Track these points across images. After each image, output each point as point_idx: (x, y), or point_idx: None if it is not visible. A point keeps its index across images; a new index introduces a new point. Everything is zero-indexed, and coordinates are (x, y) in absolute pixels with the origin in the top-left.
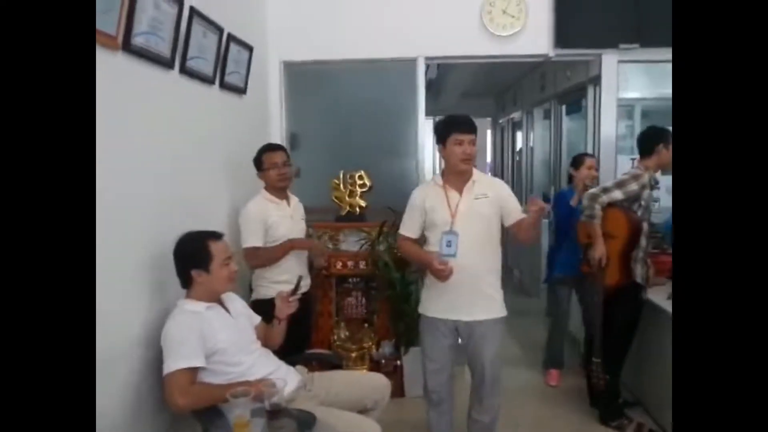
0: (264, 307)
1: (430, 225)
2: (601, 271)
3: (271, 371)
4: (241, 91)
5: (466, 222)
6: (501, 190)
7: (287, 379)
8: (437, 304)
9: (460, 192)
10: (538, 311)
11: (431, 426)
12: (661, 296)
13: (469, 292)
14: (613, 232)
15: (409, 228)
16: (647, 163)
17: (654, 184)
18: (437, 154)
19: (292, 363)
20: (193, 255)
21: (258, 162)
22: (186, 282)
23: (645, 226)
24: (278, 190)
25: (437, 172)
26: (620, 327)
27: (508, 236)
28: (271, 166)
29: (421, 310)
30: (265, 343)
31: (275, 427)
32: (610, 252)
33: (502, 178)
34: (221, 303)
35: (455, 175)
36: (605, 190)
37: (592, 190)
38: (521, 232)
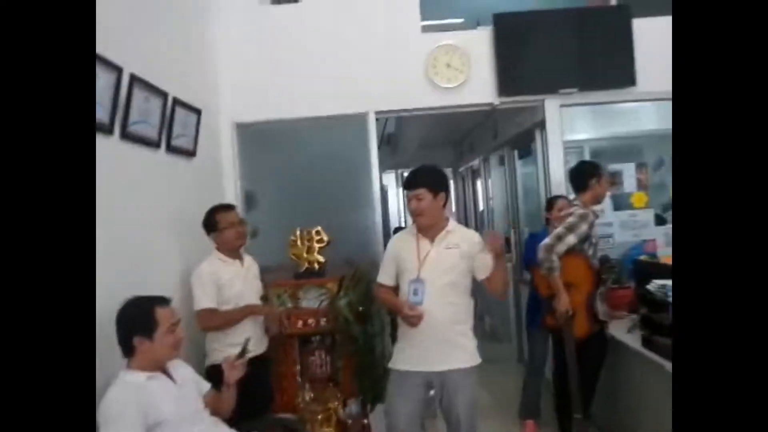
0: (219, 373)
1: (400, 272)
2: (569, 322)
3: None
4: (190, 153)
5: (434, 271)
6: (475, 243)
7: None
8: (408, 355)
9: (432, 241)
10: (509, 357)
11: None
12: (621, 330)
13: (439, 340)
14: (575, 281)
15: (383, 276)
16: (584, 199)
17: (594, 219)
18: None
19: (249, 430)
20: (136, 321)
21: (212, 222)
22: (127, 350)
23: (597, 263)
24: (232, 250)
25: (401, 221)
26: (591, 368)
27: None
28: (229, 225)
29: (391, 364)
30: (215, 412)
31: None
32: (576, 303)
33: (466, 225)
34: (165, 371)
35: (425, 226)
36: (559, 238)
37: (545, 241)
38: (491, 286)
